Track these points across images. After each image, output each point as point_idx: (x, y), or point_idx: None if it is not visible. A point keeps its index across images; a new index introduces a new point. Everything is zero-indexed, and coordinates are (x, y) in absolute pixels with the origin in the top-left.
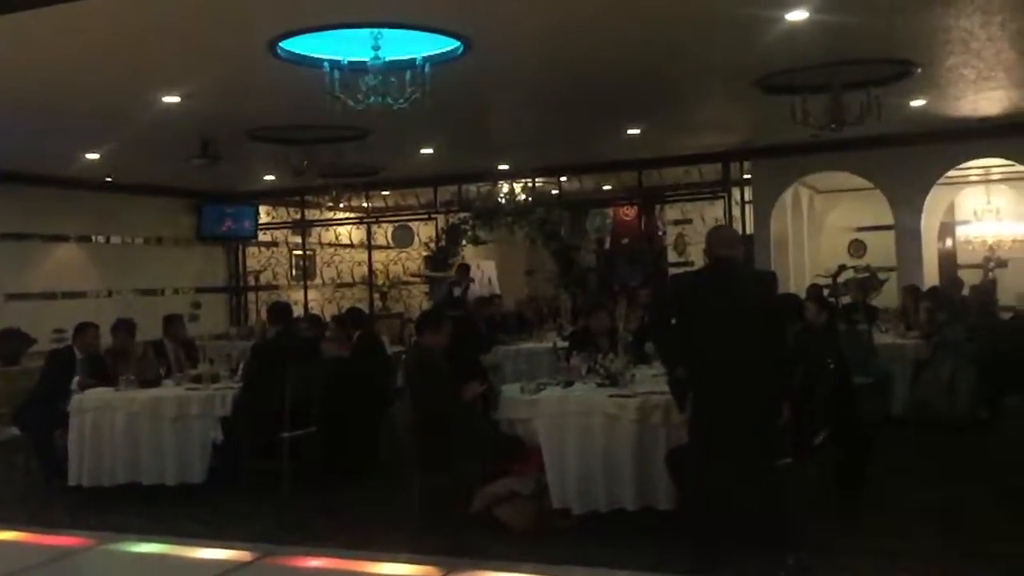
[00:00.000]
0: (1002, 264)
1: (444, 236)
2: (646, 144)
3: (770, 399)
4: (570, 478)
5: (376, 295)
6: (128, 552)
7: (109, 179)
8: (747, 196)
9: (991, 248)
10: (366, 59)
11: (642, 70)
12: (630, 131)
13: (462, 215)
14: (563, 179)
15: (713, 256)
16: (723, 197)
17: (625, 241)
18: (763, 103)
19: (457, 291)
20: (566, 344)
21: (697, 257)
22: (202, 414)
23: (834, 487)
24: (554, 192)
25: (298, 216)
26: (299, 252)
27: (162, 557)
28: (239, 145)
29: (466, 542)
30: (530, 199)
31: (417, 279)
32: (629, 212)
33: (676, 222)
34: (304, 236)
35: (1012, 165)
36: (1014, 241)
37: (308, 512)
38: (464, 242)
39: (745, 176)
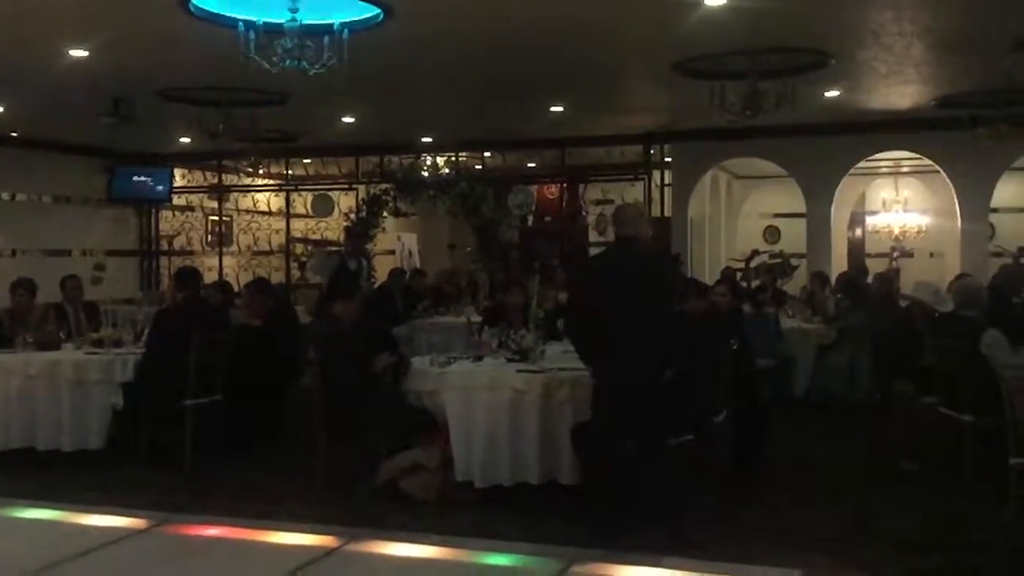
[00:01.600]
0: (907, 254)
1: (365, 207)
2: (570, 123)
3: (657, 374)
4: (475, 452)
5: (294, 264)
6: (18, 518)
7: (14, 134)
8: (667, 179)
9: (898, 238)
10: (282, 21)
11: (565, 47)
12: (554, 109)
13: (384, 186)
14: (487, 154)
15: (615, 235)
16: (643, 179)
17: (547, 219)
18: (683, 87)
19: (352, 264)
20: (480, 319)
21: None
22: (102, 379)
23: (733, 465)
24: (478, 167)
25: (215, 181)
26: (215, 217)
27: (53, 524)
28: (152, 105)
29: (368, 513)
30: (454, 173)
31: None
32: (552, 190)
33: (598, 202)
34: (221, 201)
35: (920, 158)
36: (919, 232)
37: (209, 482)
38: (385, 214)
39: (665, 159)
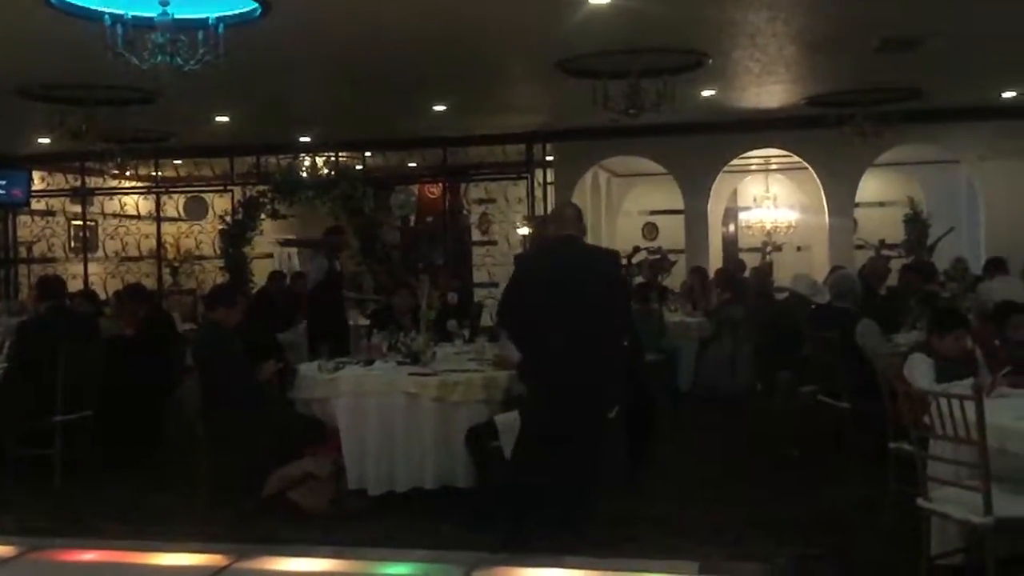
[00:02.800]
0: (777, 248)
1: (241, 209)
2: (452, 122)
3: (607, 380)
4: (368, 458)
5: (166, 270)
6: None
7: None
8: (549, 177)
9: (768, 233)
10: (152, 15)
11: (448, 45)
12: (436, 108)
13: (261, 188)
14: (368, 154)
15: (554, 235)
16: (526, 178)
17: (430, 219)
18: (565, 86)
19: (338, 265)
20: (368, 322)
21: (500, 237)
22: None
23: (624, 459)
24: (358, 167)
25: (78, 183)
26: (79, 222)
27: None
28: (10, 103)
29: (257, 527)
30: (333, 173)
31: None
32: (434, 190)
33: (480, 201)
34: (84, 205)
35: (789, 156)
36: (789, 227)
37: (83, 502)
38: (263, 216)
39: (548, 158)
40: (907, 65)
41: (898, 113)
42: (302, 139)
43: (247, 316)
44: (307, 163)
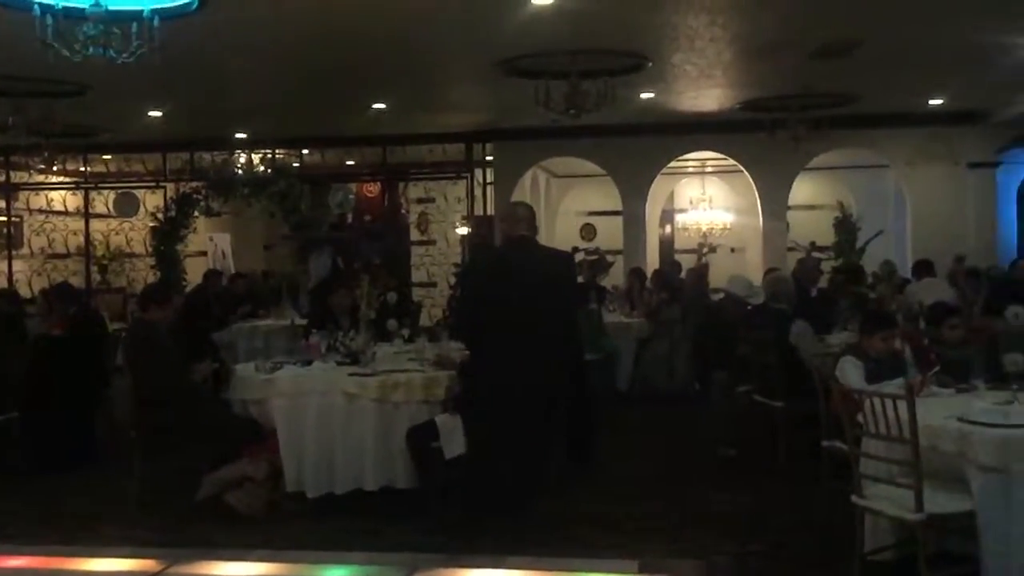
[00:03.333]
0: (712, 250)
1: (174, 206)
2: (391, 120)
3: (557, 379)
4: (307, 460)
5: (94, 268)
6: None
7: None
8: (489, 177)
9: (704, 235)
10: (85, 5)
11: (388, 44)
12: (376, 106)
13: (194, 184)
14: (305, 152)
15: (506, 235)
16: (466, 177)
17: (368, 218)
18: (506, 86)
19: (340, 262)
20: (305, 322)
21: (440, 236)
22: None
23: (565, 459)
24: (295, 164)
25: (2, 178)
26: (3, 218)
27: None
28: None
29: (191, 532)
30: (269, 171)
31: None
32: (373, 189)
33: (419, 200)
34: (9, 201)
35: (725, 159)
36: (724, 229)
37: (8, 506)
38: (196, 213)
39: (488, 157)
40: (839, 72)
41: (830, 118)
42: (238, 135)
43: (181, 315)
44: (243, 160)
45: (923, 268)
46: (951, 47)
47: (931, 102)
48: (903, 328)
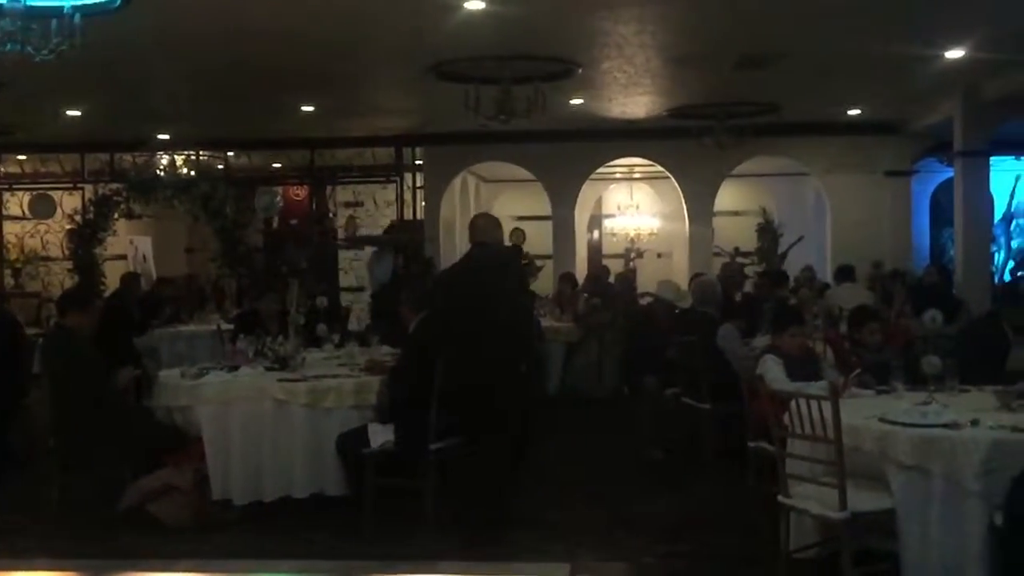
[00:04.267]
0: (640, 255)
1: (93, 208)
2: (320, 123)
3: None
4: (234, 467)
5: (7, 271)
6: None
7: None
8: (419, 181)
9: (632, 240)
10: (2, 1)
11: (316, 46)
12: (304, 108)
13: (114, 186)
14: (230, 154)
15: (472, 242)
16: (395, 181)
17: (294, 222)
18: (437, 90)
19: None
20: (231, 327)
21: None
22: None
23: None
24: (220, 167)
25: None
26: None
27: None
28: None
29: (114, 543)
30: (193, 173)
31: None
32: (300, 192)
33: (348, 204)
34: None
35: (652, 165)
36: (651, 234)
37: None
38: (116, 216)
39: (417, 161)
40: (763, 82)
41: (754, 127)
42: (160, 136)
43: (100, 321)
44: (165, 161)
45: (844, 273)
46: (868, 60)
47: (850, 112)
48: (825, 331)
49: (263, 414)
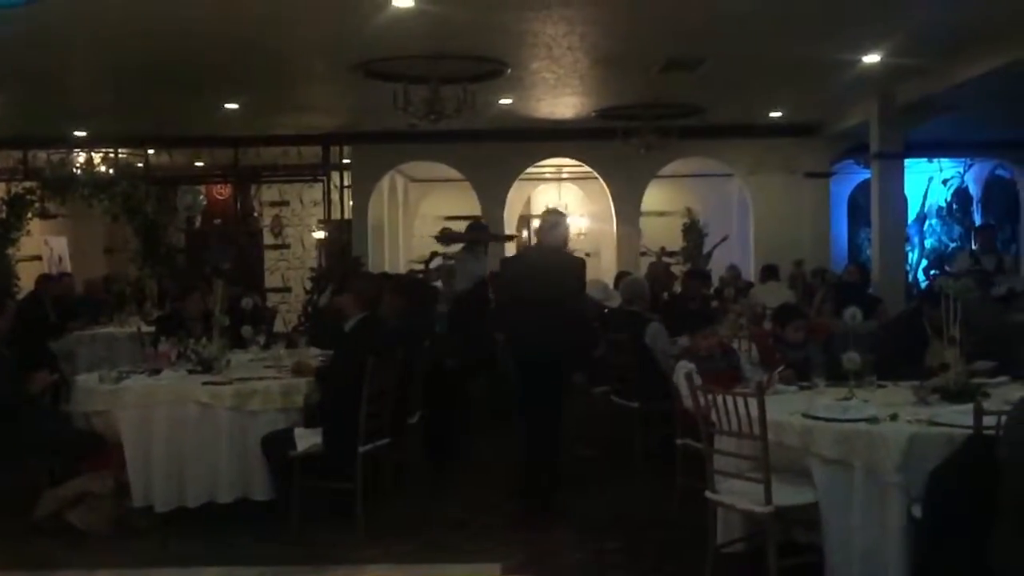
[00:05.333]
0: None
1: (5, 207)
2: (244, 121)
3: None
4: (155, 473)
5: None
6: None
7: None
8: (346, 181)
9: None
10: None
11: (240, 41)
12: (227, 106)
13: (28, 184)
14: (151, 152)
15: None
16: (322, 180)
17: (218, 221)
18: (365, 88)
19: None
20: (152, 329)
21: (295, 240)
22: None
23: (426, 464)
24: (140, 165)
25: None
26: None
27: None
28: None
29: (30, 552)
30: (111, 171)
31: None
32: (223, 191)
33: (273, 203)
34: None
35: (580, 165)
36: (579, 234)
37: None
38: (30, 215)
39: (345, 160)
40: (688, 84)
41: (679, 128)
42: (77, 133)
43: (14, 323)
44: (82, 159)
45: (767, 272)
46: (789, 64)
47: (771, 115)
48: (750, 329)
49: (186, 418)
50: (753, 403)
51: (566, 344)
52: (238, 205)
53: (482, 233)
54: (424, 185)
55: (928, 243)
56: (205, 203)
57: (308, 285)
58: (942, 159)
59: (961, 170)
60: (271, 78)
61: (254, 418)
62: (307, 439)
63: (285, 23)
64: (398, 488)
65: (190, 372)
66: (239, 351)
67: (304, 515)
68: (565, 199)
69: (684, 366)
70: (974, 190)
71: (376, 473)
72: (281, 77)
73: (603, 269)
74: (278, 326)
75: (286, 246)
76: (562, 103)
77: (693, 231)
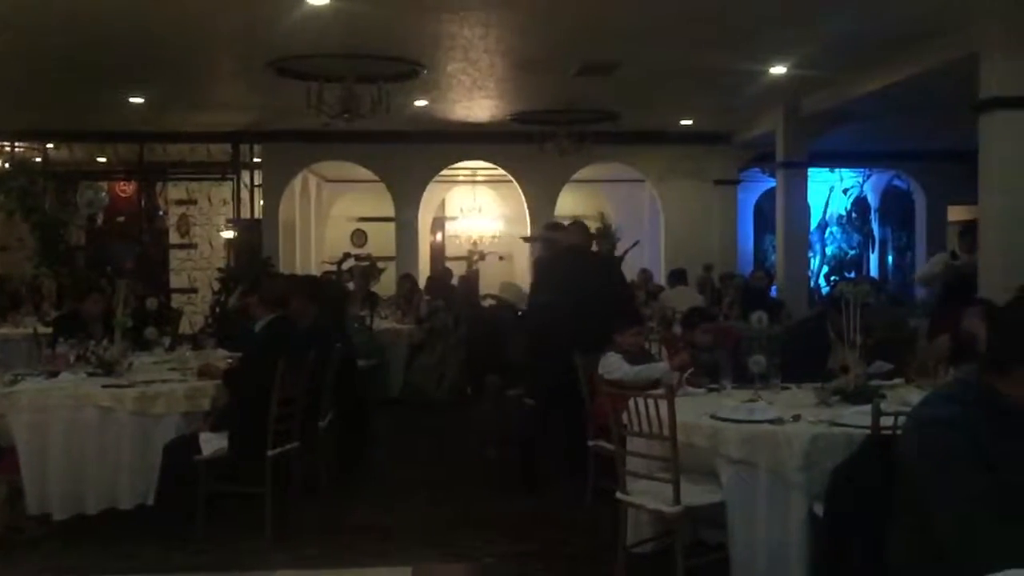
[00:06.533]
0: (482, 257)
1: None
2: (150, 116)
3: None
4: (52, 479)
5: None
6: None
7: None
8: (257, 180)
9: (474, 242)
10: None
11: (149, 34)
12: (133, 100)
13: None
14: (50, 146)
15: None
16: (232, 179)
17: (121, 219)
18: (277, 86)
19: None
20: (49, 330)
21: (202, 240)
22: None
23: (336, 467)
24: (38, 160)
25: None
26: None
27: None
28: None
29: None
30: (7, 166)
31: None
32: (127, 188)
33: (180, 202)
34: None
35: (495, 169)
36: (493, 237)
37: None
38: None
39: (256, 159)
40: (602, 91)
41: (594, 134)
42: None
43: None
44: None
45: (676, 276)
46: (700, 73)
47: (682, 122)
48: (660, 332)
49: (86, 422)
50: (663, 405)
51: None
52: (143, 203)
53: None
54: (338, 185)
55: (829, 250)
56: (108, 200)
57: (216, 286)
58: (843, 169)
59: (861, 180)
60: (180, 73)
61: (157, 422)
62: (213, 443)
63: (195, 17)
64: (308, 492)
65: (90, 375)
66: (142, 353)
67: (210, 520)
68: (480, 202)
69: (615, 356)
70: (873, 199)
71: (286, 477)
72: (190, 72)
73: (517, 272)
74: (184, 328)
75: (193, 246)
76: (478, 106)
77: (606, 235)
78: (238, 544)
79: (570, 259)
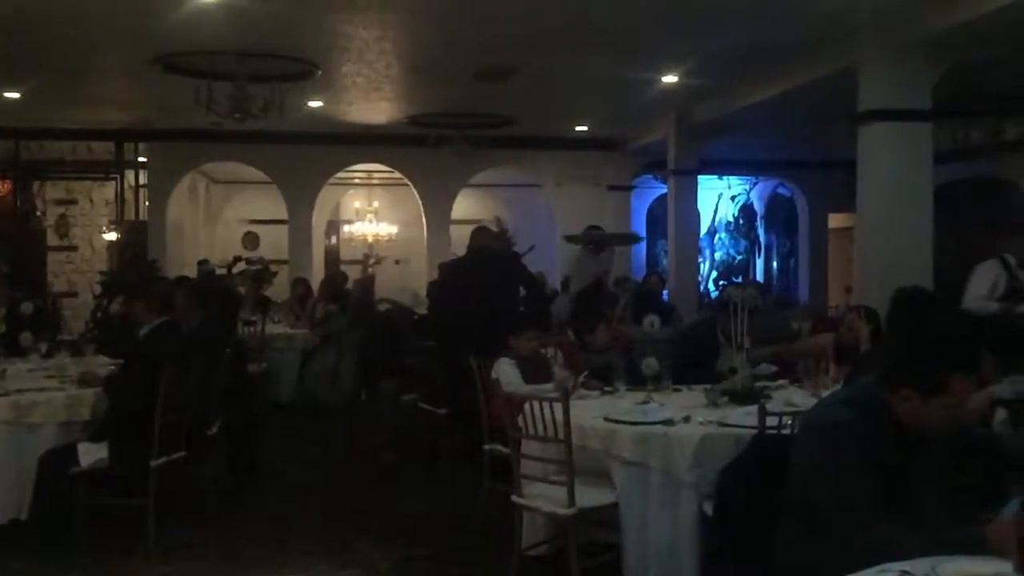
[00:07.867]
0: (378, 261)
1: None
2: (27, 111)
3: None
4: None
5: None
6: None
7: None
8: (142, 180)
9: (370, 246)
10: None
11: (25, 23)
12: (7, 94)
13: None
14: None
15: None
16: (115, 178)
17: None
18: (165, 83)
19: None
20: None
21: (83, 241)
22: None
23: (226, 474)
24: None
25: None
26: None
27: None
28: None
29: None
30: None
31: None
32: (1, 187)
33: (60, 202)
34: None
35: (391, 171)
36: (389, 240)
37: None
38: None
39: (141, 159)
40: (498, 95)
41: (490, 138)
42: None
43: None
44: None
45: (571, 281)
46: (593, 80)
47: (577, 128)
48: (555, 336)
49: None
50: (558, 408)
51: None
52: (18, 202)
53: (600, 235)
54: (228, 187)
55: (718, 255)
56: None
57: (97, 290)
58: (731, 177)
59: (747, 188)
60: (60, 66)
61: (33, 432)
62: (92, 454)
63: (76, 7)
64: (194, 503)
65: None
66: (17, 360)
67: (89, 535)
68: (375, 205)
69: (507, 362)
70: (758, 206)
71: (171, 488)
72: (71, 66)
73: (413, 276)
74: (63, 333)
75: (73, 248)
76: (374, 108)
77: (502, 239)
78: (119, 560)
79: (477, 262)
